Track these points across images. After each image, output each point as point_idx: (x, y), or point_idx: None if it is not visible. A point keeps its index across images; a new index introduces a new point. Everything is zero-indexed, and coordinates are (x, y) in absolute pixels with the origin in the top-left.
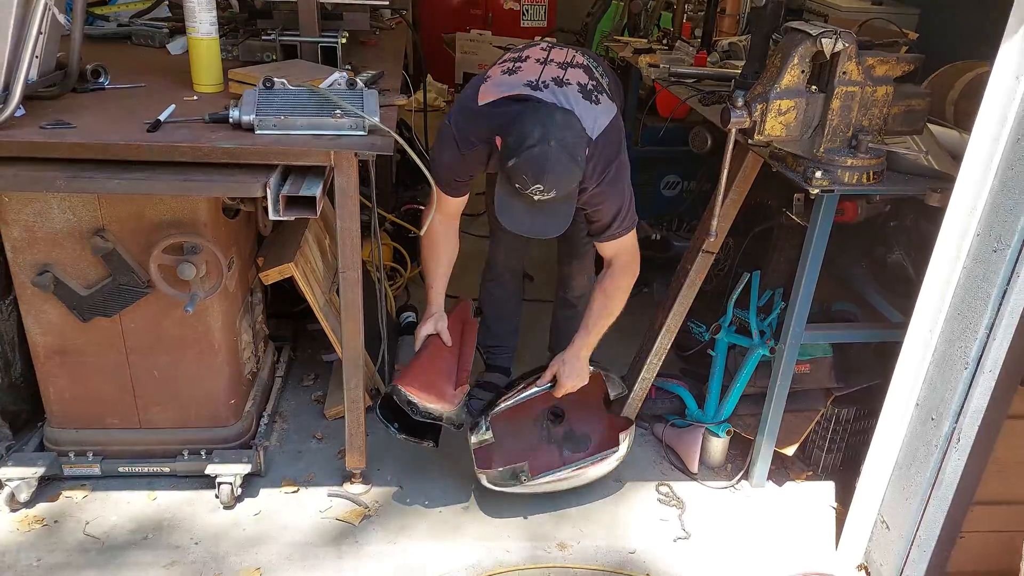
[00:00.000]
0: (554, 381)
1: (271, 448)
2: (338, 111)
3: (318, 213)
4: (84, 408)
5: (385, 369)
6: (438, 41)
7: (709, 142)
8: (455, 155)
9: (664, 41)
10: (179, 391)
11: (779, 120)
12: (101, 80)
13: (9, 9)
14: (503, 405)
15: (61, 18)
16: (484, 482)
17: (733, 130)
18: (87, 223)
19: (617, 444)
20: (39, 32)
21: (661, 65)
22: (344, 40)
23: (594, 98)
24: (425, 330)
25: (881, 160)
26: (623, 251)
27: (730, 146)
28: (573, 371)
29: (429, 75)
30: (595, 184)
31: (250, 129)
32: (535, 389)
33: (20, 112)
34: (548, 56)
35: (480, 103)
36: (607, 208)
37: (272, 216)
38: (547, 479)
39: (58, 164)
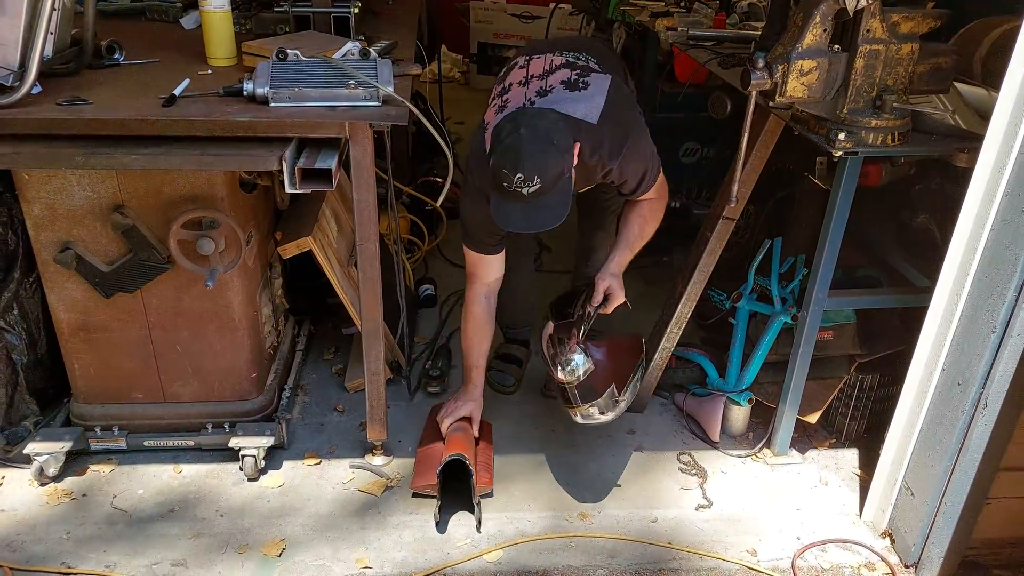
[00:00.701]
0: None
1: (293, 421)
2: (352, 82)
3: (334, 185)
4: (109, 383)
5: (405, 341)
6: (452, 10)
7: (729, 107)
8: (485, 207)
9: (681, 3)
10: (202, 365)
11: (801, 81)
12: (116, 56)
13: None
14: (581, 333)
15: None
16: (595, 415)
17: (753, 93)
18: (106, 200)
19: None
20: (52, 8)
21: (679, 28)
22: (357, 10)
23: (581, 84)
24: (462, 411)
25: (906, 120)
26: (656, 188)
27: (750, 109)
28: (619, 286)
29: (444, 45)
30: (616, 163)
31: (264, 102)
32: (592, 310)
33: (37, 89)
34: (528, 75)
35: (489, 150)
36: (634, 175)
37: (288, 189)
38: (627, 395)
39: (76, 141)
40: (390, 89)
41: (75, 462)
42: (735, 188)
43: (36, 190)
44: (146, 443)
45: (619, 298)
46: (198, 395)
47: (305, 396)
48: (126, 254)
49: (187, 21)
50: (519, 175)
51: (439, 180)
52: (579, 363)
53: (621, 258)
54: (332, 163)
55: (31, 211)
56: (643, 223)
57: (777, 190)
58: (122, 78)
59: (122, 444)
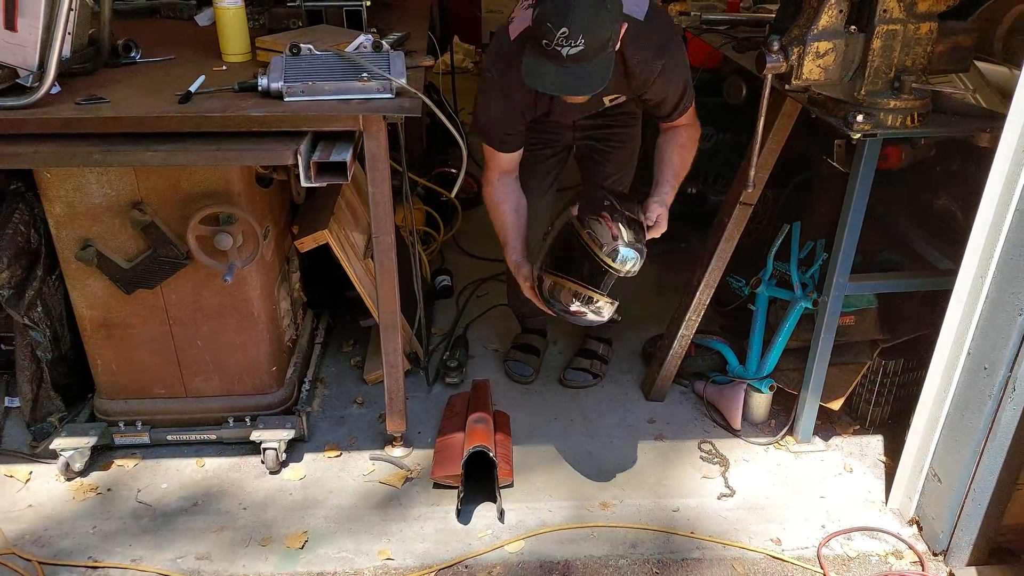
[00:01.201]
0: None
1: (313, 414)
2: (365, 75)
3: (349, 178)
4: (131, 379)
5: (423, 333)
6: (464, 0)
7: (744, 91)
8: (503, 103)
9: None
10: (222, 360)
11: (817, 63)
12: (132, 54)
13: None
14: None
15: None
16: (604, 310)
17: (769, 76)
18: (125, 197)
19: None
20: (70, 9)
21: (692, 12)
22: (368, 3)
23: None
24: (521, 274)
25: (926, 101)
26: (691, 114)
27: (766, 92)
28: (665, 218)
29: (456, 36)
30: (660, 66)
31: (279, 96)
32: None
33: (56, 89)
34: None
35: (513, 39)
36: (675, 89)
37: (304, 183)
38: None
39: (94, 139)
40: (403, 81)
41: (100, 457)
42: (752, 173)
43: (57, 188)
44: (169, 437)
45: (663, 227)
46: (219, 390)
47: (325, 389)
48: (146, 250)
49: (201, 18)
50: (564, 30)
51: (454, 171)
52: (629, 257)
53: (670, 189)
54: (347, 156)
55: (52, 209)
56: (683, 152)
57: (795, 174)
58: (139, 76)
59: (145, 439)
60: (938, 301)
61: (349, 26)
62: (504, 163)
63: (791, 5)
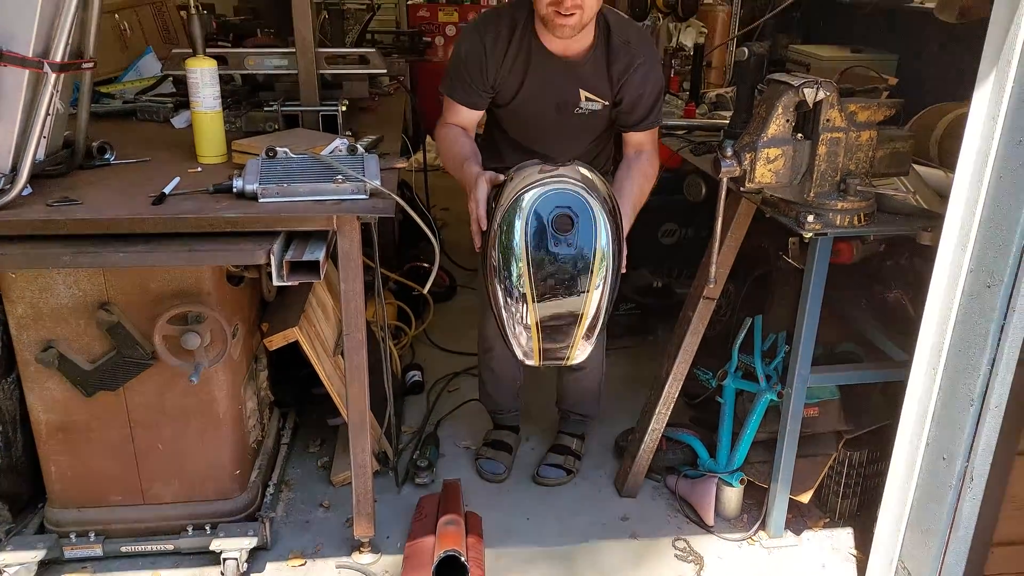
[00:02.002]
0: None
1: (277, 519)
2: (340, 176)
3: (321, 277)
4: (86, 486)
5: (392, 431)
6: (436, 102)
7: (704, 190)
8: (472, 45)
9: None
10: (184, 464)
11: (768, 168)
12: (107, 156)
13: (19, 93)
14: None
15: (60, 106)
16: None
17: (725, 179)
18: (92, 297)
19: None
20: (47, 114)
21: None
22: (344, 108)
23: None
24: (480, 192)
25: (871, 202)
26: (651, 141)
27: (722, 194)
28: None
29: (428, 135)
30: (642, 60)
31: (253, 198)
32: None
33: (27, 191)
34: None
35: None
36: (652, 87)
37: (276, 282)
38: None
39: (65, 240)
40: (377, 183)
41: (48, 571)
42: (713, 270)
43: (21, 290)
44: (123, 549)
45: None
46: (179, 495)
47: (290, 492)
48: (110, 351)
49: (178, 120)
50: None
51: (426, 265)
52: None
53: (626, 223)
54: (320, 255)
55: (14, 311)
56: (643, 182)
57: (755, 269)
58: (113, 177)
59: (98, 551)
60: (897, 392)
61: (325, 130)
62: (459, 117)
63: (743, 113)
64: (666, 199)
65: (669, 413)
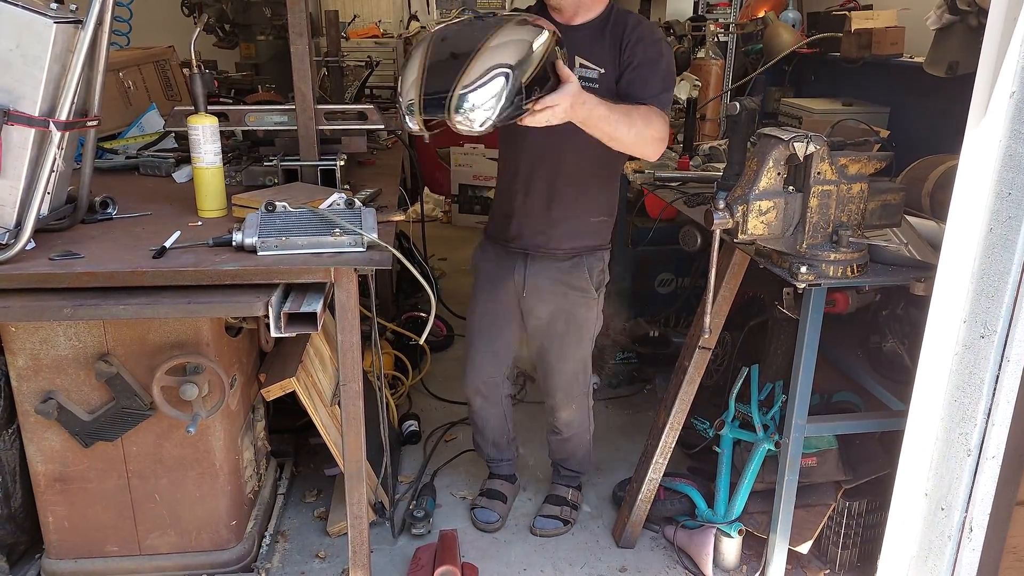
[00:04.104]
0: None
1: (273, 570)
2: (337, 229)
3: (319, 329)
4: (84, 536)
5: (389, 481)
6: (433, 155)
7: (699, 240)
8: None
9: None
10: (180, 514)
11: (760, 220)
12: (109, 210)
13: (24, 150)
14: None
15: (60, 164)
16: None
17: (718, 230)
18: (92, 348)
19: None
20: (52, 171)
21: (646, 171)
22: (342, 163)
23: None
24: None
25: (863, 253)
26: (664, 116)
27: (716, 246)
28: (573, 96)
29: (426, 187)
30: (639, 22)
31: (253, 251)
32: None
33: (31, 245)
34: None
35: None
36: (654, 60)
37: (274, 333)
38: None
39: (66, 293)
40: (374, 235)
41: None
42: (707, 320)
43: (22, 342)
44: None
45: (551, 114)
46: (175, 546)
47: (286, 543)
48: (108, 402)
49: (179, 175)
50: None
51: (423, 315)
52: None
53: (596, 100)
54: (317, 307)
55: (15, 362)
56: (635, 110)
57: (750, 318)
58: (114, 231)
59: None
60: (895, 441)
61: (324, 183)
62: None
63: (735, 165)
64: (662, 249)
65: (666, 463)
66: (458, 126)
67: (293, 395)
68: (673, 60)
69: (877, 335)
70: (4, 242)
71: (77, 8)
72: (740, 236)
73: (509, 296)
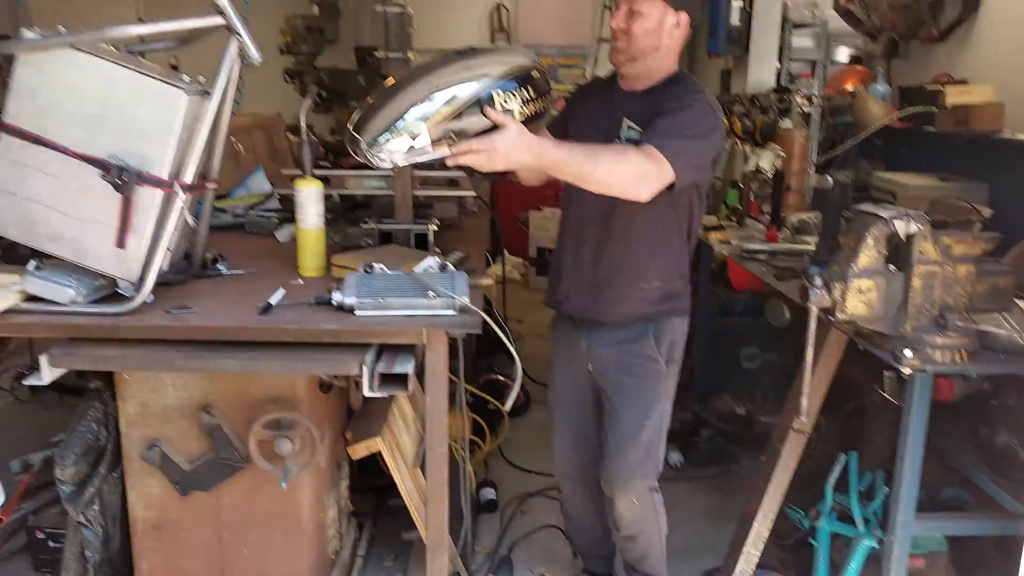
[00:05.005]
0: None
1: None
2: (431, 293)
3: (410, 390)
4: None
5: (467, 551)
6: (513, 219)
7: (787, 315)
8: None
9: (733, 218)
10: (266, 569)
11: (861, 299)
12: (219, 266)
13: (152, 210)
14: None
15: (190, 220)
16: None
17: (815, 308)
18: (196, 399)
19: None
20: (174, 229)
21: (732, 242)
22: (435, 227)
23: None
24: None
25: (973, 338)
26: (651, 151)
27: (812, 325)
28: (508, 142)
29: (506, 250)
30: (687, 83)
31: (351, 311)
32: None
33: (150, 299)
34: None
35: None
36: (675, 105)
37: (367, 393)
38: None
39: (179, 344)
40: (466, 299)
41: None
42: (805, 402)
43: (133, 389)
44: None
45: (487, 151)
46: None
47: None
48: (207, 452)
49: (281, 234)
50: None
51: (501, 378)
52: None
53: (550, 144)
54: (410, 368)
55: (126, 409)
56: (606, 149)
57: (846, 401)
58: (224, 287)
59: None
60: (1012, 548)
61: (416, 246)
62: None
63: (828, 239)
64: (747, 322)
65: (759, 554)
66: (371, 161)
67: (375, 454)
68: (709, 117)
69: (987, 427)
70: (127, 294)
71: (205, 80)
72: (839, 315)
73: (580, 368)
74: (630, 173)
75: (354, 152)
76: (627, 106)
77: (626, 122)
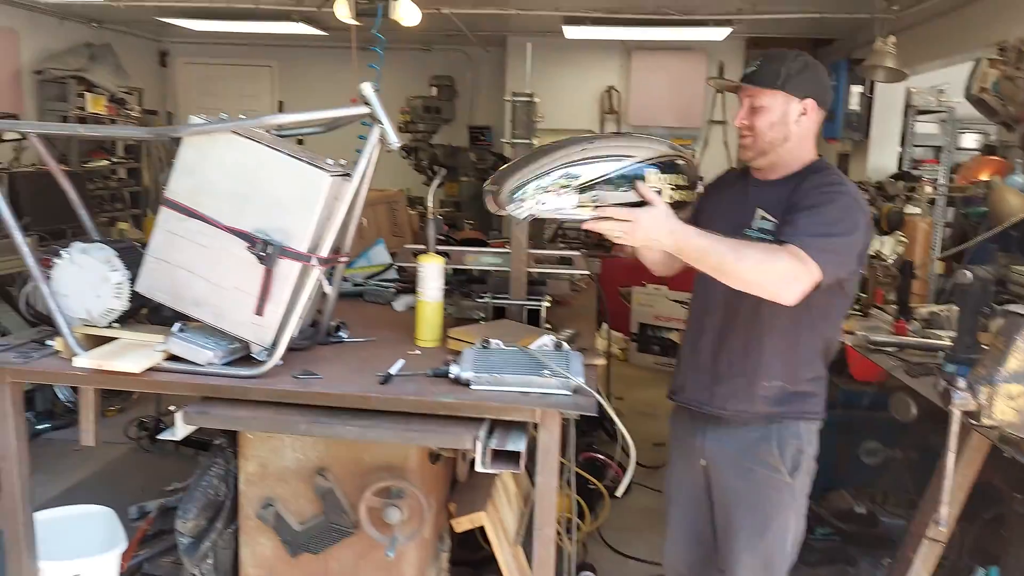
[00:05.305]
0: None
1: None
2: (546, 371)
3: (522, 469)
4: None
5: None
6: (615, 293)
7: (914, 410)
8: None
9: (856, 307)
10: None
11: (1010, 405)
12: (341, 333)
13: (289, 281)
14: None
15: (328, 288)
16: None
17: (957, 412)
18: (312, 463)
19: None
20: (308, 299)
21: (857, 332)
22: (548, 304)
23: None
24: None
25: None
26: (796, 251)
27: (955, 428)
28: (653, 220)
29: (607, 325)
30: (826, 172)
31: (467, 384)
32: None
33: (279, 363)
34: None
35: None
36: (813, 200)
37: (479, 468)
38: None
39: (302, 409)
40: (581, 380)
41: None
42: (944, 510)
43: (255, 448)
44: None
45: (630, 226)
46: None
47: None
48: (318, 515)
49: (398, 304)
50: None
51: (601, 457)
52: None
53: (694, 232)
54: (522, 446)
55: (246, 467)
56: (751, 245)
57: (983, 509)
58: (345, 354)
59: None
60: None
61: (529, 322)
62: None
63: (966, 336)
64: (868, 415)
65: None
66: (507, 210)
67: (475, 529)
68: (855, 212)
69: None
70: (259, 358)
71: (346, 163)
72: (984, 420)
73: (695, 464)
74: (777, 273)
75: (492, 202)
76: (761, 196)
77: (759, 212)
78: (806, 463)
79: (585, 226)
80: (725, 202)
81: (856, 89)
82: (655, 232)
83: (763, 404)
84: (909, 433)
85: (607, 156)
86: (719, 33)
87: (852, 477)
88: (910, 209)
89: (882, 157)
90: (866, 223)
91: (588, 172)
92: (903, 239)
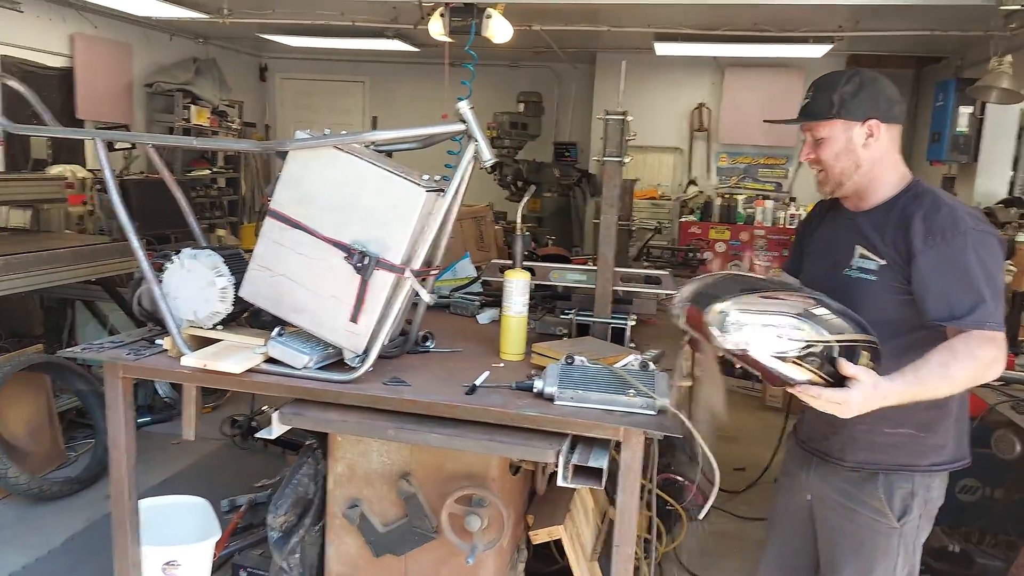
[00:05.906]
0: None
1: None
2: (631, 391)
3: (603, 485)
4: None
5: None
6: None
7: (1018, 448)
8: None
9: None
10: None
11: None
12: (428, 343)
13: (383, 292)
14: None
15: (427, 297)
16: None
17: None
18: (397, 467)
19: None
20: (401, 308)
21: None
22: (633, 322)
23: None
24: None
25: None
26: (983, 335)
27: None
28: (864, 397)
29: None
30: (928, 206)
31: (550, 399)
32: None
33: (370, 370)
34: None
35: None
36: (949, 276)
37: (560, 482)
38: None
39: (390, 415)
40: (666, 401)
41: None
42: None
43: (344, 451)
44: None
45: (837, 402)
46: None
47: None
48: (401, 518)
49: (482, 317)
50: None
51: (679, 478)
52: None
53: (901, 381)
54: (604, 463)
55: (335, 468)
56: (950, 358)
57: None
58: (432, 363)
59: None
60: None
61: (612, 341)
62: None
63: None
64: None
65: None
66: (711, 329)
67: (551, 542)
68: (990, 251)
69: None
70: (353, 365)
71: (440, 179)
72: None
73: (800, 498)
74: (990, 372)
75: (697, 313)
76: (858, 230)
77: (859, 250)
78: (919, 507)
79: (790, 389)
80: (819, 241)
81: (965, 110)
82: (868, 407)
83: (887, 453)
84: (1011, 471)
85: (833, 323)
86: (818, 50)
87: (946, 515)
88: (1021, 237)
89: (991, 182)
90: (998, 242)
91: (812, 331)
92: (1012, 268)
